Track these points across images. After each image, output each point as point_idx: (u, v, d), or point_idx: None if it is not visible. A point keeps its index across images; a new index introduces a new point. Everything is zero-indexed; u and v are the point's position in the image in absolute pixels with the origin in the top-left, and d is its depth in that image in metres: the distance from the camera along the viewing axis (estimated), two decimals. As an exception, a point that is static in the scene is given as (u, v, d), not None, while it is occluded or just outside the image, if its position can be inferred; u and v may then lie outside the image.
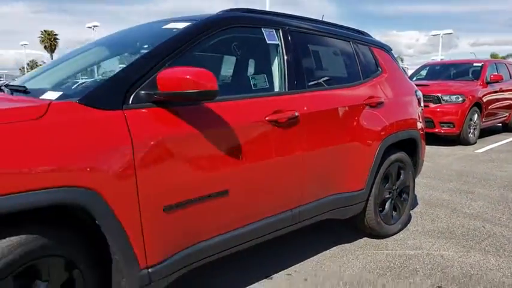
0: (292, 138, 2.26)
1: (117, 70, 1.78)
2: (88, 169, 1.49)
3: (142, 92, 1.71)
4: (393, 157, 3.02)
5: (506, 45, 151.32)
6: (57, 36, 67.33)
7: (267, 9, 19.02)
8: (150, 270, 1.71)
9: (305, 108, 2.32)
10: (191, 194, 1.82)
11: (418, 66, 10.21)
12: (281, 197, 2.27)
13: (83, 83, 2.00)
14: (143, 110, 1.70)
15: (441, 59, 27.31)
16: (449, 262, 2.71)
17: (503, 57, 52.02)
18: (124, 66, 1.83)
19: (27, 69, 56.17)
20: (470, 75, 8.71)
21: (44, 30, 66.00)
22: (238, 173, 2.01)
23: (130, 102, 1.68)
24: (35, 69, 2.60)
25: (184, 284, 2.24)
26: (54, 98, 1.66)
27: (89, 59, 2.41)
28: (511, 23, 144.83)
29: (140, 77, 1.73)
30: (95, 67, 2.36)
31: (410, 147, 3.23)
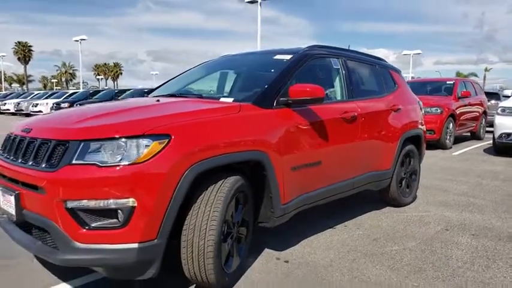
0: (352, 129, 3.43)
1: (265, 86, 2.90)
2: (263, 140, 2.60)
3: (281, 98, 2.84)
4: (407, 148, 4.24)
5: (466, 65, 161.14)
6: (32, 48, 66.69)
7: (259, 26, 21.32)
8: (285, 206, 2.80)
9: (359, 110, 3.51)
10: (303, 161, 2.93)
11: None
12: (347, 168, 3.44)
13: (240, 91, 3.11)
14: (281, 109, 2.83)
15: (412, 77, 29.53)
16: (449, 218, 3.93)
17: (466, 76, 55.94)
18: (264, 83, 2.95)
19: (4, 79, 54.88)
20: (444, 92, 10.23)
21: (18, 42, 65.23)
22: (326, 150, 3.15)
23: (274, 104, 2.81)
24: (171, 81, 3.69)
25: (279, 228, 3.33)
26: (231, 101, 2.77)
27: (227, 76, 3.54)
28: (471, 44, 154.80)
29: (279, 89, 2.86)
30: (239, 81, 3.48)
31: (416, 142, 4.46)
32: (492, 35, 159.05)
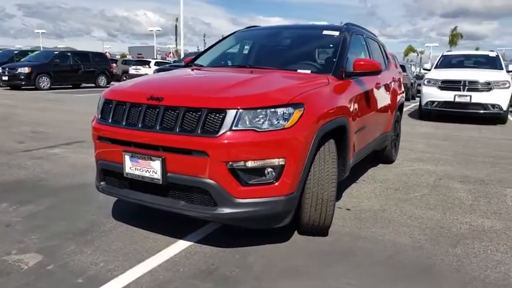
0: (377, 97, 4.03)
1: (334, 59, 3.30)
2: (346, 108, 3.03)
3: (347, 71, 3.27)
4: (397, 113, 5.03)
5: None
6: None
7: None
8: (350, 163, 3.31)
9: (381, 80, 4.11)
10: (359, 125, 3.44)
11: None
12: (374, 131, 4.05)
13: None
14: (347, 81, 3.27)
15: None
16: (433, 170, 4.85)
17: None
18: (329, 56, 3.35)
19: None
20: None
21: None
22: (367, 116, 3.69)
23: (344, 76, 3.24)
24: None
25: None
26: (309, 72, 3.13)
27: (282, 47, 3.81)
28: (357, 18, 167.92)
29: (345, 62, 3.29)
30: (297, 53, 3.75)
31: (401, 109, 5.28)
32: (374, 11, 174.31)
